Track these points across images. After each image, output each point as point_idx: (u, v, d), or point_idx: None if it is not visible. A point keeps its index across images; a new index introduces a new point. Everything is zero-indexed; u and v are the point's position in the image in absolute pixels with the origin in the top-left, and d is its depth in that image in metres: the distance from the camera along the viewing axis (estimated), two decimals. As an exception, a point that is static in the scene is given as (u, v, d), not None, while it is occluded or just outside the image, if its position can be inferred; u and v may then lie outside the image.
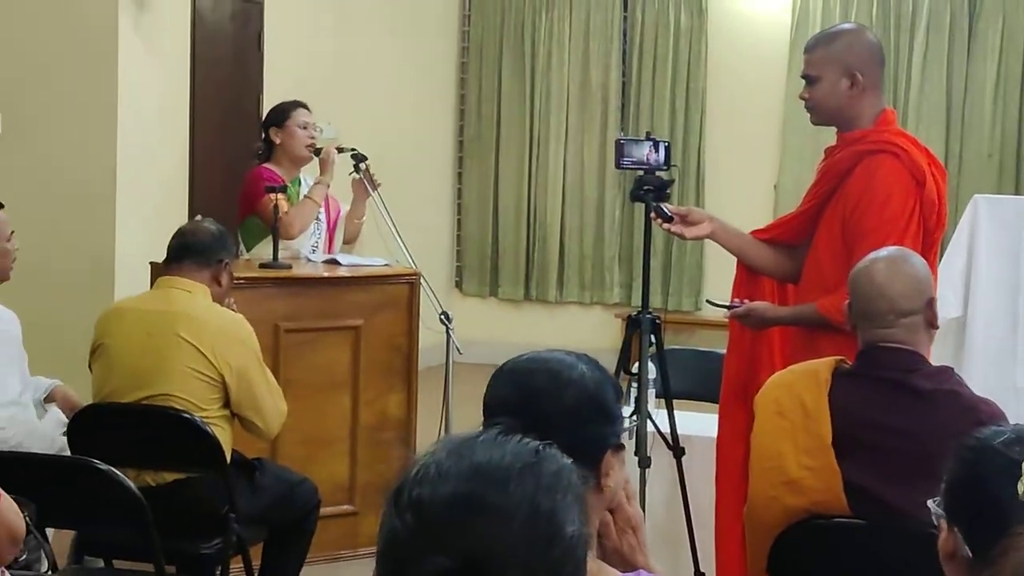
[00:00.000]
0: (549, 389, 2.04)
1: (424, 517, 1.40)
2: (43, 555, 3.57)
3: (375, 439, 5.59)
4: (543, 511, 1.42)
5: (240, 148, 7.19)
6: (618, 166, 4.48)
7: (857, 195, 3.94)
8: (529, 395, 2.03)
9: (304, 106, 5.83)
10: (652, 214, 4.30)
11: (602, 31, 9.72)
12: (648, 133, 4.72)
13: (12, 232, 4.40)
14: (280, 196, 5.44)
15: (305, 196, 5.73)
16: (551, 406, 2.01)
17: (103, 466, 3.63)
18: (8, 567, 3.11)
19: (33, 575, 3.30)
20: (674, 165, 4.62)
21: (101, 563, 4.41)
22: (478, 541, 1.39)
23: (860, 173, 3.94)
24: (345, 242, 5.96)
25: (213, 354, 4.26)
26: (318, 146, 5.83)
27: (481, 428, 1.56)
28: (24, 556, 3.26)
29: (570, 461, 1.50)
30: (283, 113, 5.80)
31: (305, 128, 5.77)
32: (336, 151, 5.82)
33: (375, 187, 5.77)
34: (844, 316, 3.39)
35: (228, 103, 7.45)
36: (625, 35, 9.74)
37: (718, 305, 4.32)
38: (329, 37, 8.38)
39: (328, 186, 5.81)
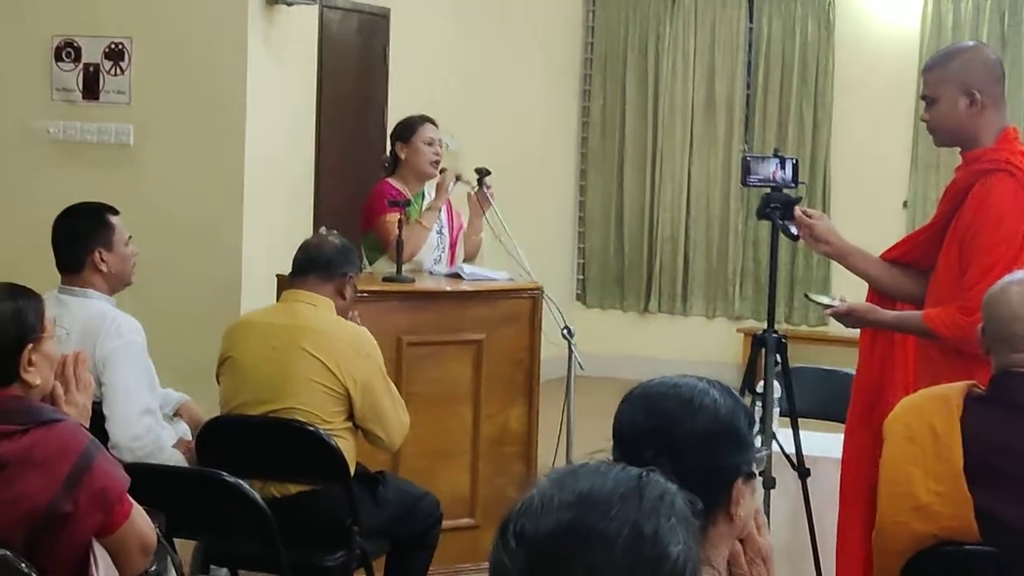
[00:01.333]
0: (680, 415, 2.01)
1: (529, 549, 1.41)
2: (170, 565, 3.62)
3: (496, 453, 5.59)
4: (646, 534, 1.42)
5: (365, 160, 7.26)
6: (744, 183, 4.44)
7: (971, 215, 3.87)
8: (660, 421, 2.01)
9: (431, 121, 5.83)
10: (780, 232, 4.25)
11: (727, 43, 9.64)
12: (776, 150, 4.66)
13: (130, 237, 4.46)
14: (399, 217, 5.43)
15: (415, 220, 5.73)
16: (682, 432, 1.99)
17: (230, 478, 3.67)
18: (138, 577, 3.16)
19: (161, 584, 3.34)
20: (802, 182, 4.56)
21: (226, 573, 4.46)
22: (583, 568, 1.39)
23: (977, 193, 3.88)
24: (465, 260, 5.97)
25: (337, 367, 4.29)
26: (442, 163, 5.83)
27: (611, 451, 1.56)
28: (153, 566, 3.31)
29: (676, 487, 1.50)
30: (409, 128, 5.80)
31: (431, 144, 5.77)
32: (454, 180, 5.78)
33: (488, 204, 5.76)
34: (950, 331, 3.33)
35: (354, 116, 7.52)
36: (750, 47, 9.66)
37: (818, 302, 4.27)
38: (454, 50, 8.42)
39: (440, 211, 5.80)
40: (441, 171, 5.82)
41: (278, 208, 6.83)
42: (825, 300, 4.20)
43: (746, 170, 4.41)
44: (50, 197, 6.63)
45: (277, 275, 5.57)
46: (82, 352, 3.30)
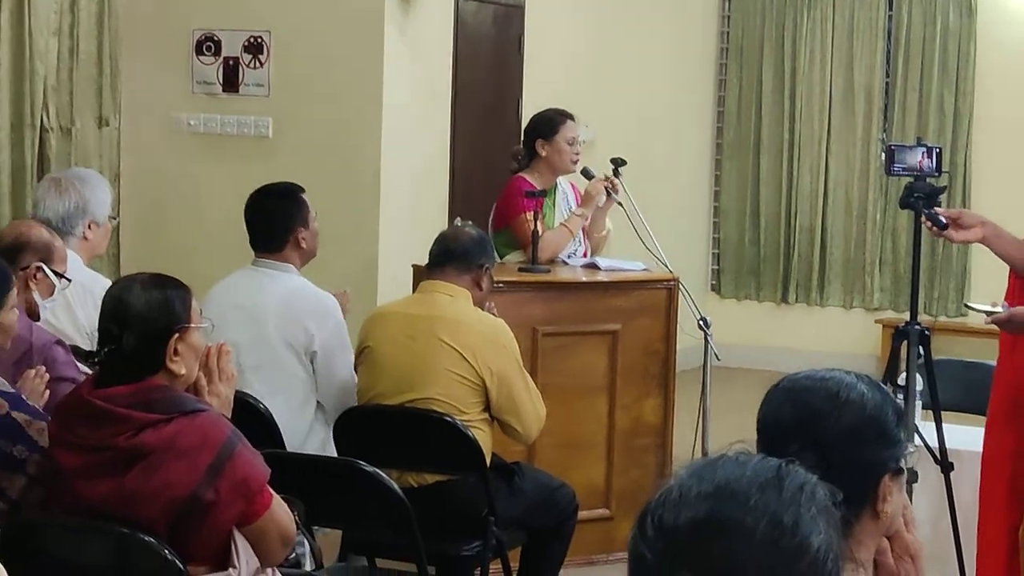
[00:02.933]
0: (827, 409, 1.98)
1: (668, 540, 1.41)
2: (308, 553, 3.66)
3: (631, 444, 5.57)
4: (785, 525, 1.41)
5: (499, 151, 7.26)
6: (888, 172, 4.35)
7: None
8: (805, 415, 1.98)
9: (571, 117, 5.78)
10: (925, 221, 4.16)
11: (866, 30, 9.48)
12: (919, 139, 4.57)
13: (315, 212, 4.66)
14: (539, 219, 5.42)
15: (562, 224, 5.70)
16: (828, 427, 1.96)
17: (369, 467, 3.70)
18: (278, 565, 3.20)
19: (300, 572, 3.37)
20: (945, 172, 4.46)
21: (364, 561, 4.49)
22: (722, 558, 1.39)
23: None
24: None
25: (474, 358, 4.30)
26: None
27: (754, 444, 1.55)
28: (293, 554, 3.34)
29: (816, 478, 1.48)
30: (552, 125, 5.73)
31: (572, 143, 5.72)
32: (606, 194, 5.73)
33: (613, 198, 5.71)
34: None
35: (488, 106, 7.53)
36: (889, 35, 9.48)
37: (978, 310, 4.18)
38: (588, 40, 8.40)
39: (586, 218, 5.77)
40: (587, 175, 5.76)
41: (413, 199, 6.87)
42: (986, 308, 4.13)
43: (890, 159, 4.33)
44: (191, 188, 6.79)
45: (413, 266, 5.60)
46: (226, 344, 3.34)
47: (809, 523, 1.41)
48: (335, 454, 4.33)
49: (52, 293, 4.08)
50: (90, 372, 3.46)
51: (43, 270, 4.03)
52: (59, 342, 3.86)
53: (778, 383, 2.07)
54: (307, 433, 4.49)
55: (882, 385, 2.04)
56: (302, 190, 4.69)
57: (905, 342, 4.30)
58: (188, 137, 6.82)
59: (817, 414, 1.98)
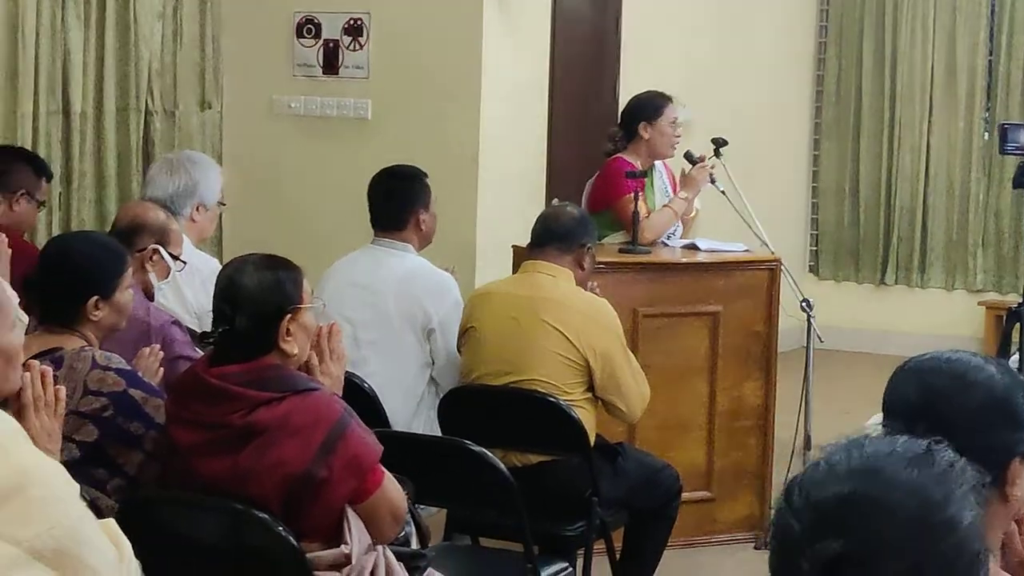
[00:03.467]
0: (953, 391, 1.96)
1: (816, 512, 1.44)
2: (416, 531, 3.69)
3: (732, 426, 5.54)
4: (936, 501, 1.42)
5: (596, 132, 7.23)
6: (1002, 152, 4.30)
7: None
8: (931, 396, 1.96)
9: (671, 100, 5.77)
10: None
11: (968, 8, 9.31)
12: (1031, 117, 4.51)
13: (435, 199, 4.77)
14: (641, 199, 5.42)
15: (665, 206, 5.69)
16: (954, 409, 1.94)
17: (475, 447, 3.72)
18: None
19: (408, 550, 3.40)
20: (1058, 151, 4.39)
21: (468, 540, 4.52)
22: (870, 532, 1.41)
23: None
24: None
25: (577, 338, 4.31)
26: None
27: (880, 426, 1.56)
28: (402, 532, 3.37)
29: (963, 459, 1.49)
30: (656, 108, 5.71)
31: (674, 125, 5.72)
32: (710, 181, 5.71)
33: (708, 181, 5.69)
34: None
35: (585, 87, 7.51)
36: (993, 12, 9.32)
37: None
38: (686, 21, 8.34)
39: (689, 202, 5.75)
40: (691, 159, 5.74)
41: (511, 180, 6.88)
42: None
43: (1004, 138, 4.28)
44: (292, 170, 6.85)
45: (513, 247, 5.61)
46: (336, 324, 3.38)
47: (959, 500, 1.43)
48: (439, 433, 4.36)
49: (167, 275, 4.14)
50: (202, 353, 3.52)
51: (159, 252, 4.10)
52: (176, 322, 3.93)
53: (904, 364, 2.05)
54: (416, 410, 4.55)
55: (1012, 368, 2.01)
56: (426, 175, 4.78)
57: (1018, 324, 4.25)
58: (288, 119, 6.88)
59: (941, 396, 1.97)
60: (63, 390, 2.83)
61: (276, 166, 6.83)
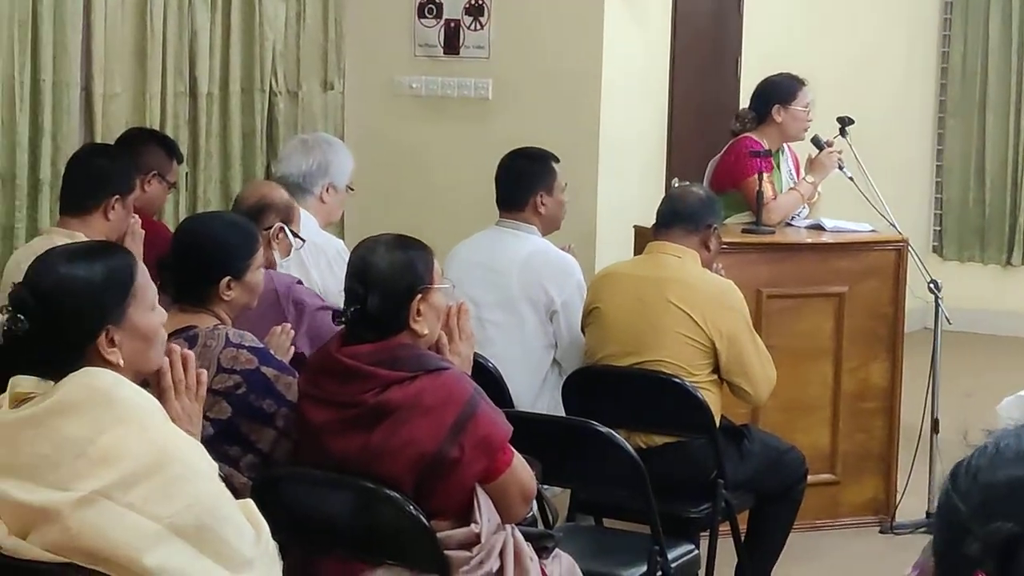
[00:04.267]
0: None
1: (985, 494, 1.43)
2: (538, 510, 3.69)
3: (857, 408, 5.48)
4: None
5: (717, 112, 7.19)
6: None
7: None
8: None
9: (805, 83, 5.73)
10: None
11: (1099, -19, 9.09)
12: None
13: (565, 184, 4.78)
14: (766, 180, 5.37)
15: (792, 188, 5.67)
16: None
17: (603, 428, 3.71)
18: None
19: (537, 531, 3.41)
20: None
21: (592, 521, 4.53)
22: None
23: None
24: None
25: (703, 320, 4.29)
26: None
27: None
28: (530, 512, 3.38)
29: None
30: (790, 91, 5.68)
31: (806, 109, 5.68)
32: (838, 167, 5.65)
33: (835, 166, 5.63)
34: None
35: (706, 66, 7.45)
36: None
37: None
38: (809, 1, 8.24)
39: (816, 187, 5.70)
40: (818, 144, 5.68)
41: (632, 160, 6.84)
42: None
43: None
44: (413, 150, 6.88)
45: (635, 227, 5.59)
46: (465, 304, 3.39)
47: None
48: (563, 413, 4.37)
49: (289, 253, 4.20)
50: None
51: (284, 230, 4.15)
52: (299, 281, 4.02)
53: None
54: (539, 391, 4.56)
55: None
56: (556, 159, 4.77)
57: None
58: (409, 100, 6.90)
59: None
60: (204, 374, 2.88)
61: (397, 146, 6.87)
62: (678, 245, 4.42)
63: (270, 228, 4.13)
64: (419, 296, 3.15)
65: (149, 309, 2.71)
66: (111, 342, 2.61)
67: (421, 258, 3.19)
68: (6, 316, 2.59)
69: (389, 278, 3.13)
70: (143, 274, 2.72)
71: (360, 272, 3.16)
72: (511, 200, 4.75)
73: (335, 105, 6.93)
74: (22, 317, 2.56)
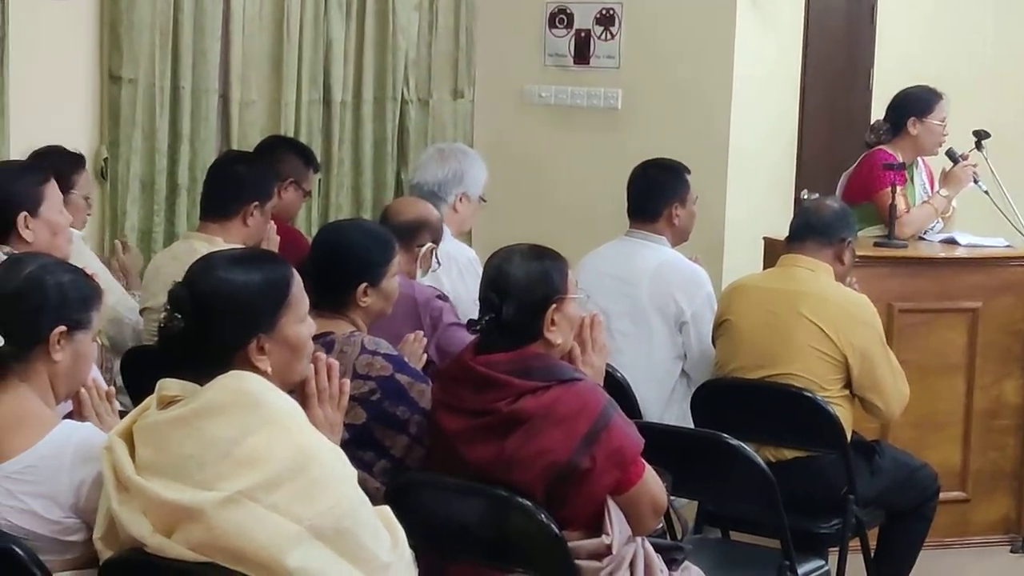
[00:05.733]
0: None
1: None
2: (671, 523, 3.70)
3: (989, 425, 5.39)
4: None
5: (848, 124, 7.13)
6: None
7: None
8: None
9: (943, 96, 5.67)
10: None
11: None
12: None
13: (696, 196, 4.81)
14: (900, 193, 5.32)
15: (925, 202, 5.62)
16: None
17: (733, 441, 3.69)
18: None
19: (667, 543, 3.41)
20: None
21: (719, 533, 4.51)
22: None
23: None
24: None
25: (836, 334, 4.25)
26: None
27: None
28: (660, 524, 3.38)
29: None
30: (927, 105, 5.63)
31: (942, 123, 5.62)
32: (973, 181, 5.59)
33: (979, 181, 5.56)
34: None
35: (838, 76, 7.38)
36: None
37: None
38: (943, 8, 8.11)
39: (951, 200, 5.63)
40: (952, 158, 5.62)
41: (761, 171, 6.79)
42: None
43: None
44: (541, 159, 6.91)
45: (764, 238, 5.56)
46: (598, 315, 3.41)
47: None
48: (692, 425, 4.36)
49: (428, 272, 4.28)
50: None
51: (434, 253, 4.24)
52: (440, 295, 4.07)
53: None
54: (667, 402, 4.56)
55: None
56: (687, 170, 4.77)
57: None
58: (539, 109, 6.93)
59: None
60: (347, 383, 2.93)
61: (525, 155, 6.89)
62: (811, 258, 4.39)
63: (422, 246, 4.21)
64: (554, 306, 3.17)
65: (300, 321, 2.77)
66: (261, 350, 2.67)
67: (556, 268, 3.20)
68: (163, 313, 2.66)
69: (525, 287, 3.15)
70: (298, 285, 2.77)
71: (496, 281, 3.18)
72: (644, 210, 4.75)
73: (465, 113, 6.99)
74: (179, 316, 2.63)
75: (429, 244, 4.26)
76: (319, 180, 6.18)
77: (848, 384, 4.30)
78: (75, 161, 4.64)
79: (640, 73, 6.69)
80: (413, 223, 4.26)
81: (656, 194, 4.74)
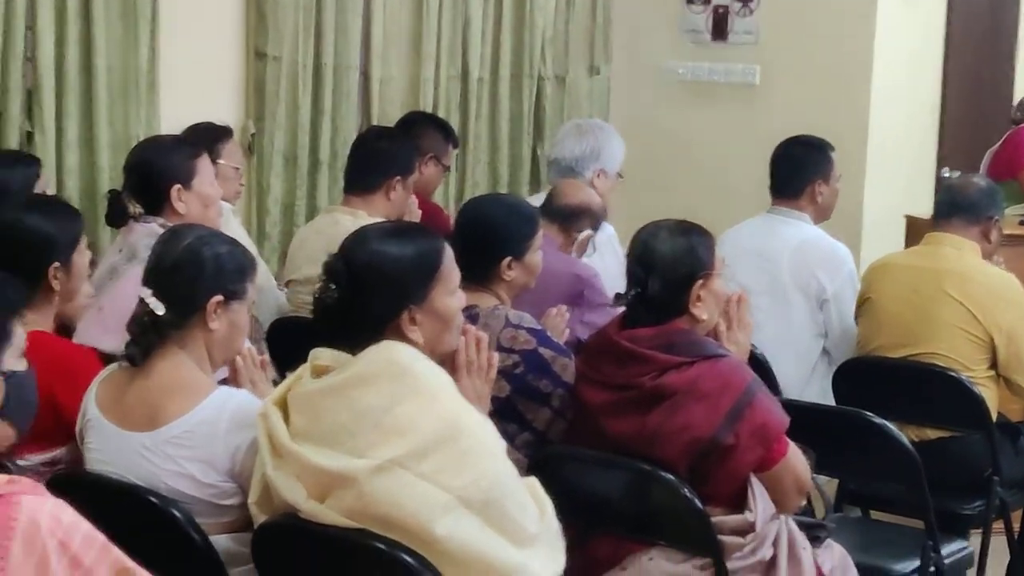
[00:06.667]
0: None
1: None
2: (814, 502, 3.68)
3: None
4: None
5: (991, 98, 7.00)
6: None
7: None
8: None
9: None
10: None
11: None
12: None
13: (840, 174, 4.77)
14: None
15: None
16: None
17: (877, 419, 3.66)
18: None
19: (810, 520, 3.39)
20: None
21: (858, 512, 4.48)
22: None
23: None
24: None
25: (982, 314, 4.19)
26: None
27: None
28: (804, 502, 3.36)
29: None
30: None
31: None
32: None
33: None
34: None
35: (981, 51, 7.24)
36: None
37: None
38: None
39: None
40: None
41: (902, 148, 6.71)
42: None
43: None
44: (678, 136, 6.88)
45: (907, 216, 5.49)
46: (744, 292, 3.40)
47: None
48: (833, 403, 4.33)
49: (581, 257, 4.33)
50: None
51: (591, 241, 4.28)
52: (596, 275, 4.10)
53: None
54: (808, 380, 4.53)
55: None
56: (831, 147, 4.73)
57: None
58: (676, 86, 6.91)
59: None
60: (496, 356, 2.96)
61: (661, 132, 6.88)
62: (957, 237, 4.33)
63: (580, 231, 4.25)
64: (700, 281, 3.17)
65: (451, 293, 2.81)
66: (412, 321, 2.72)
67: (703, 243, 3.20)
68: (319, 284, 2.71)
69: (671, 263, 3.15)
70: (449, 258, 2.81)
71: (642, 256, 3.19)
72: (787, 187, 4.71)
73: (601, 90, 6.99)
74: (334, 286, 2.68)
75: (588, 231, 4.30)
76: (455, 155, 6.23)
77: (993, 364, 4.23)
78: (221, 132, 4.71)
79: (779, 49, 6.64)
80: (576, 208, 4.32)
81: (799, 171, 4.69)
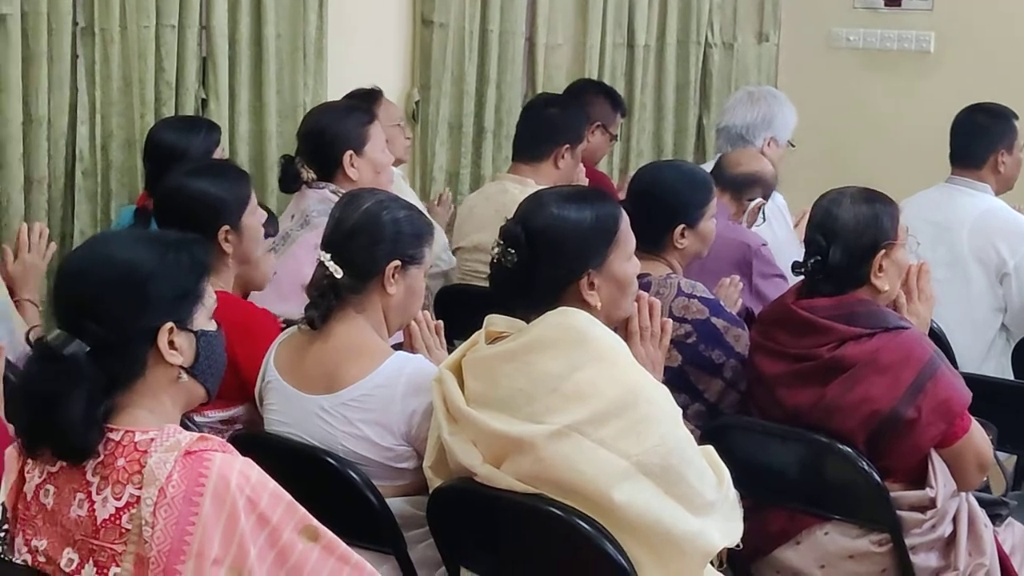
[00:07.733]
0: None
1: None
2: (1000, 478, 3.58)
3: None
4: None
5: None
6: None
7: None
8: None
9: None
10: None
11: None
12: None
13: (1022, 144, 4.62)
14: None
15: None
16: None
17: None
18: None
19: (992, 497, 3.30)
20: None
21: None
22: None
23: None
24: None
25: None
26: None
27: None
28: (985, 479, 3.28)
29: None
30: None
31: None
32: None
33: None
34: None
35: None
36: None
37: None
38: None
39: None
40: None
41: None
42: None
43: None
44: (849, 104, 6.74)
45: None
46: (926, 263, 3.32)
47: None
48: (1011, 378, 4.21)
49: (751, 226, 4.29)
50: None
51: (762, 210, 4.24)
52: (765, 244, 4.04)
53: None
54: (985, 354, 4.41)
55: None
56: (1016, 116, 4.59)
57: None
58: (846, 53, 6.76)
59: None
60: (669, 323, 2.93)
61: (832, 100, 6.74)
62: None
63: (751, 199, 4.23)
64: (883, 251, 3.09)
65: (627, 258, 2.78)
66: (591, 285, 2.70)
67: (887, 212, 3.12)
68: (496, 249, 2.70)
69: (853, 231, 3.08)
70: (626, 223, 2.79)
71: (823, 224, 3.11)
72: (968, 157, 4.57)
73: (769, 57, 6.87)
74: (512, 251, 2.67)
75: (759, 200, 4.25)
76: (620, 124, 6.19)
77: None
78: (369, 95, 4.69)
79: (955, 15, 6.46)
80: (748, 176, 4.27)
81: (981, 140, 4.55)
